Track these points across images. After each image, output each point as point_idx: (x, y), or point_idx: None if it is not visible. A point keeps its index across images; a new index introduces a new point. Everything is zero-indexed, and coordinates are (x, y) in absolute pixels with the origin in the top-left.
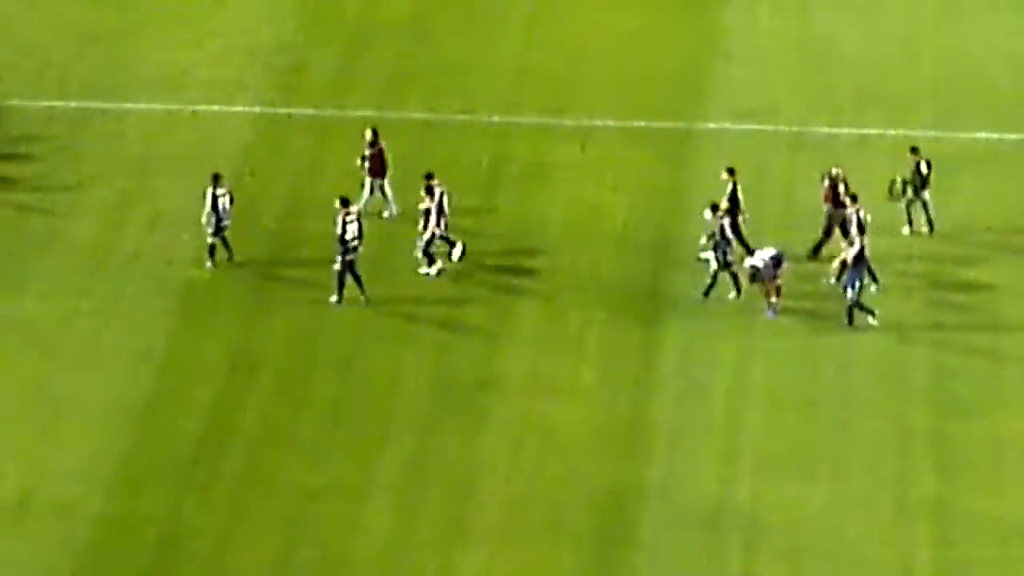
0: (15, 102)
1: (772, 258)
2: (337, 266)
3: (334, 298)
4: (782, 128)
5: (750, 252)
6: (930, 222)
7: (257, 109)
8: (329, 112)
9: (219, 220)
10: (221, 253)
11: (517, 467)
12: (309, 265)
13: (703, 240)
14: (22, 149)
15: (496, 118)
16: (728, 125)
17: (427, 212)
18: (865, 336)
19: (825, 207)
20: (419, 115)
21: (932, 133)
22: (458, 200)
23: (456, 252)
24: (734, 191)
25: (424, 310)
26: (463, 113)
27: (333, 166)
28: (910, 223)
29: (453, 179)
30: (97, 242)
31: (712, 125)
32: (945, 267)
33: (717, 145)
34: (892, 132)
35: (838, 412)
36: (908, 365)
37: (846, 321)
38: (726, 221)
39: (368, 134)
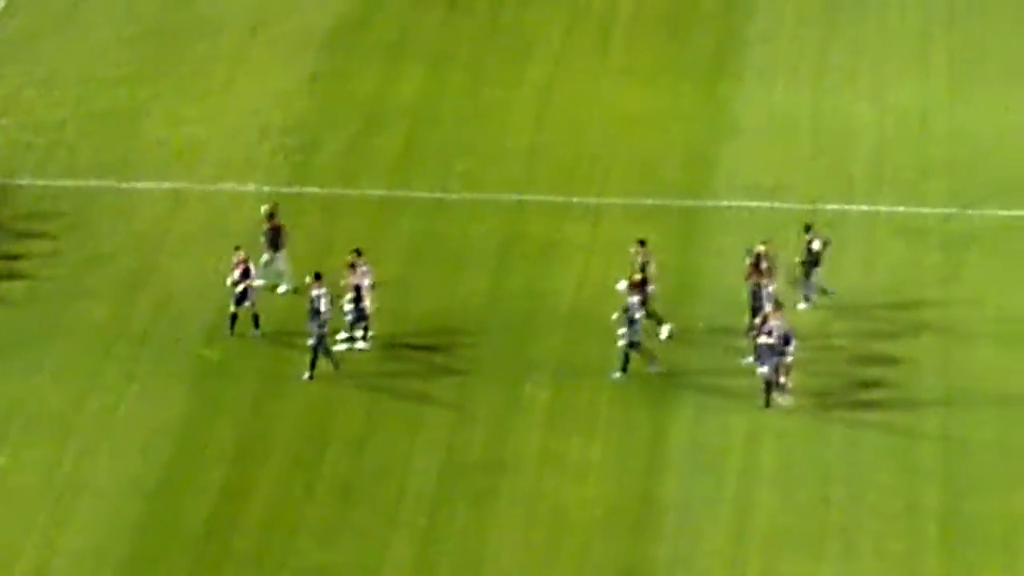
0: (26, 181)
1: (781, 336)
2: (312, 341)
3: (307, 375)
4: (792, 205)
5: (659, 322)
6: (807, 297)
7: (267, 187)
8: (339, 191)
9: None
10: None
11: (528, 546)
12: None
13: (614, 316)
14: (33, 227)
15: (506, 196)
16: (738, 202)
17: (357, 288)
18: (875, 413)
19: (748, 283)
20: (428, 194)
21: (943, 210)
22: (470, 278)
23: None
24: (644, 265)
25: (433, 390)
26: (472, 192)
27: (342, 244)
28: (808, 299)
29: (465, 257)
30: (108, 322)
31: (723, 203)
32: (955, 346)
33: (727, 222)
34: (903, 209)
35: (848, 490)
36: (918, 443)
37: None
38: (636, 298)
39: (264, 209)
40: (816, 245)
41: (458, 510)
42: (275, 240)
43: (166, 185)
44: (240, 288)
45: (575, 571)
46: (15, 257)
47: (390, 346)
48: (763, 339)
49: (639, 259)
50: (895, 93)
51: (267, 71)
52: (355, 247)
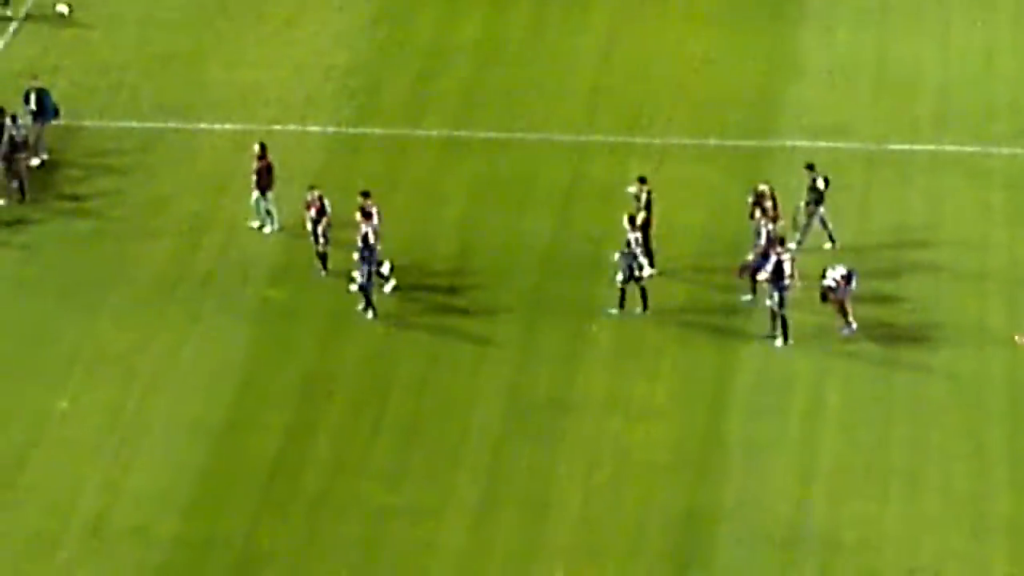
0: (89, 123)
1: (843, 276)
2: (362, 280)
3: (370, 315)
4: (857, 145)
5: (651, 264)
6: (831, 237)
7: (331, 129)
8: (402, 132)
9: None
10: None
11: (592, 487)
12: (383, 286)
13: (617, 255)
14: (96, 169)
15: (569, 138)
16: (802, 143)
17: (365, 236)
18: (940, 354)
19: (751, 223)
20: (492, 135)
21: (1008, 150)
22: (534, 219)
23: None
24: (648, 202)
25: (498, 330)
26: (536, 132)
27: (406, 186)
28: (802, 240)
29: (529, 198)
30: (171, 263)
31: (787, 143)
32: (1020, 286)
33: (791, 163)
34: (969, 149)
35: (913, 431)
36: (984, 383)
37: (770, 330)
38: (637, 235)
39: (256, 148)
40: (820, 183)
41: (522, 451)
42: (266, 179)
43: (228, 127)
44: (321, 226)
45: (640, 512)
46: (79, 198)
47: (453, 287)
48: (763, 275)
49: (642, 196)
50: (959, 34)
51: (328, 12)
52: (364, 190)
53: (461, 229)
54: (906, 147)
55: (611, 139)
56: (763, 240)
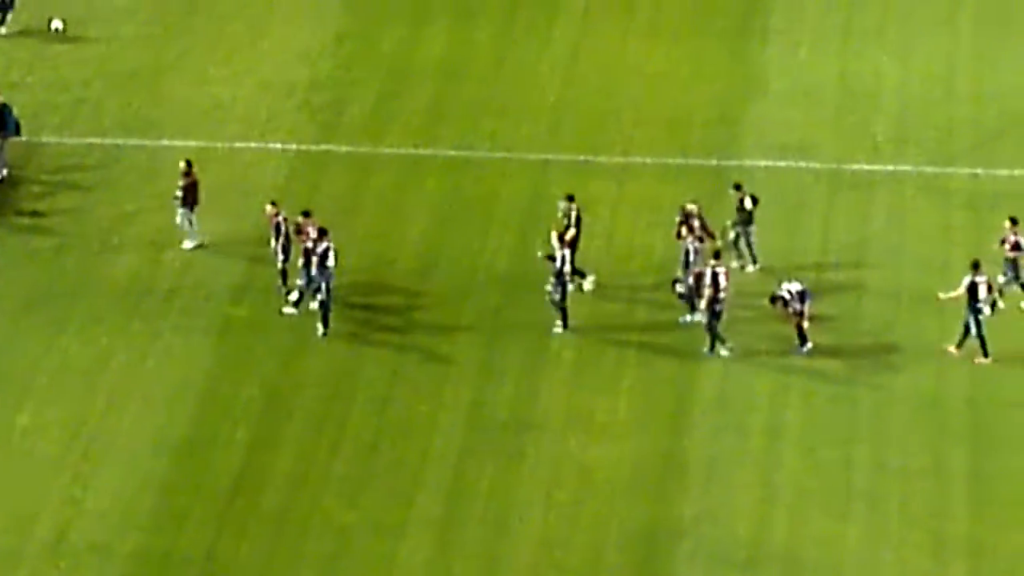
0: (51, 139)
1: (798, 292)
2: (321, 296)
3: (321, 331)
4: (819, 165)
5: (582, 275)
6: (753, 257)
7: (293, 146)
8: (365, 149)
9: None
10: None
11: (553, 505)
12: (345, 303)
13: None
14: (57, 185)
15: (532, 156)
16: (764, 162)
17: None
18: (901, 373)
19: (679, 243)
20: (455, 153)
21: (968, 170)
22: (496, 237)
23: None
24: (577, 219)
25: (459, 348)
26: (499, 151)
27: (369, 203)
28: (740, 257)
29: (491, 216)
30: (133, 279)
31: (748, 162)
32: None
33: (753, 182)
34: (930, 170)
35: (873, 450)
36: (944, 402)
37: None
38: (566, 252)
39: (182, 164)
40: (748, 203)
41: (483, 469)
42: (192, 196)
43: (191, 143)
44: (280, 243)
45: (601, 530)
46: (40, 214)
47: (415, 305)
48: (707, 292)
49: (570, 214)
50: (921, 54)
51: (292, 30)
52: (305, 210)
53: (423, 247)
54: (867, 167)
55: (573, 157)
56: (691, 258)
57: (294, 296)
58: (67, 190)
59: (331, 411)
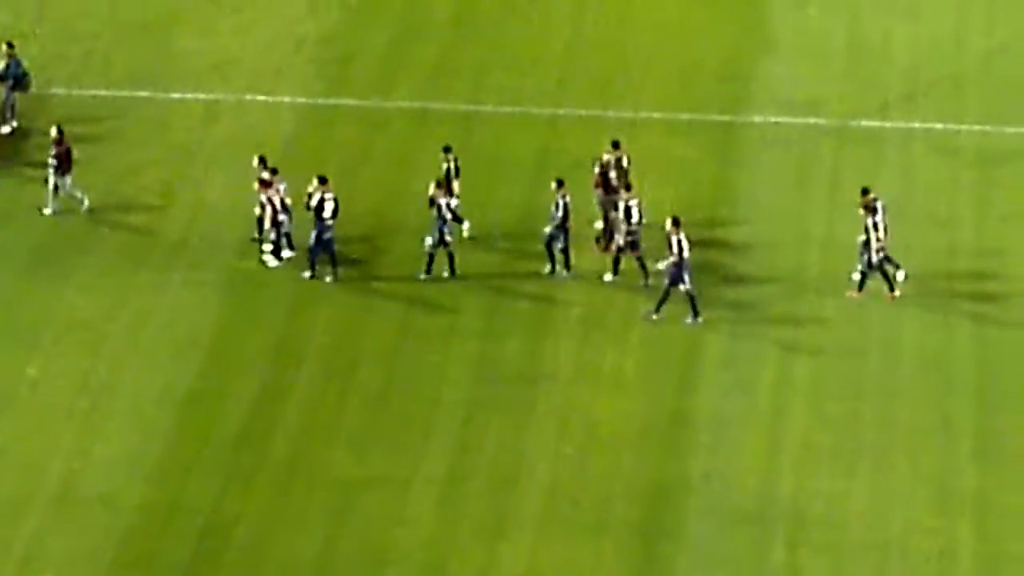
0: (60, 91)
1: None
2: (311, 242)
3: (307, 274)
4: (828, 121)
5: (460, 221)
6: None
7: (302, 99)
8: (374, 103)
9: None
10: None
11: (561, 459)
12: (353, 256)
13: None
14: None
15: (540, 110)
16: (773, 118)
17: (273, 205)
18: (908, 329)
19: (596, 193)
20: (463, 107)
21: (979, 127)
22: (504, 191)
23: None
24: (456, 169)
25: (468, 300)
26: (508, 105)
27: (377, 157)
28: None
29: (499, 170)
30: (142, 232)
31: (757, 118)
32: (991, 261)
33: (762, 137)
34: (939, 126)
35: (881, 406)
36: (952, 359)
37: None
38: (445, 200)
39: (54, 132)
40: (624, 161)
41: (491, 422)
42: (66, 163)
43: (200, 96)
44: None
45: (608, 485)
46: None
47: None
48: (668, 261)
49: (445, 164)
50: (931, 10)
51: None
52: (269, 162)
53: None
54: (876, 123)
55: (582, 112)
56: (630, 216)
57: (268, 247)
58: (76, 142)
59: (338, 363)
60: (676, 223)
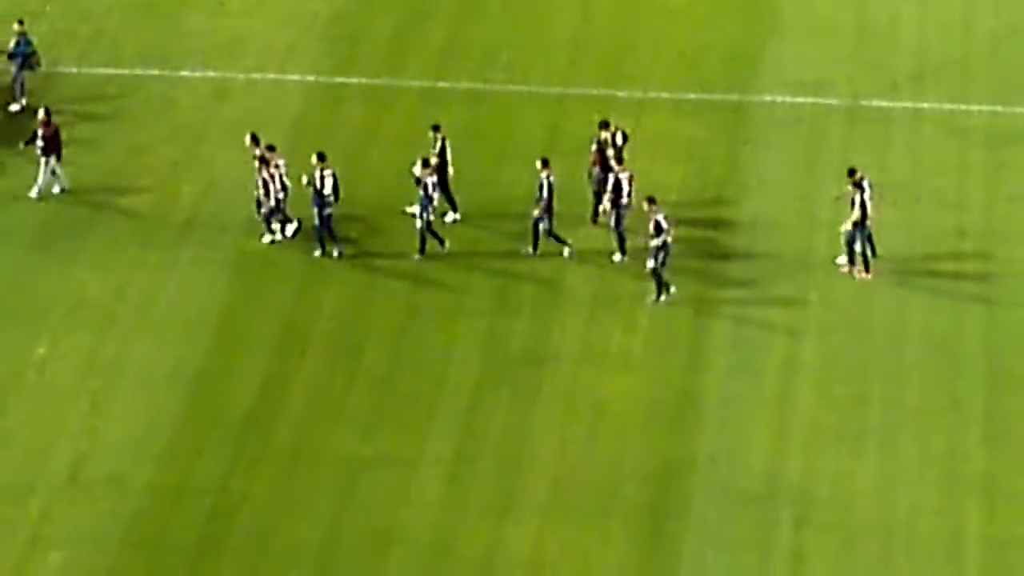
0: (69, 69)
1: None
2: (316, 221)
3: (318, 252)
4: (836, 101)
5: (454, 207)
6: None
7: (311, 78)
8: (383, 82)
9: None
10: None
11: (567, 440)
12: (362, 235)
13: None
14: (75, 116)
15: (549, 89)
16: (782, 98)
17: (265, 183)
18: (916, 311)
19: (594, 171)
20: (472, 86)
21: (988, 108)
22: (512, 170)
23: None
24: (443, 147)
25: (474, 281)
26: (516, 84)
27: (386, 135)
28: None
29: (508, 149)
30: (150, 211)
31: (766, 98)
32: (999, 242)
33: (771, 117)
34: (949, 106)
35: (888, 387)
36: (960, 340)
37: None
38: (433, 179)
39: (41, 114)
40: (620, 139)
41: (498, 403)
42: (54, 145)
43: (209, 75)
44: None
45: (615, 465)
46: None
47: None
48: (659, 240)
49: (435, 143)
50: None
51: None
52: (262, 140)
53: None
54: (885, 104)
55: (590, 91)
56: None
57: (279, 227)
58: (85, 121)
59: (346, 343)
60: (652, 201)
